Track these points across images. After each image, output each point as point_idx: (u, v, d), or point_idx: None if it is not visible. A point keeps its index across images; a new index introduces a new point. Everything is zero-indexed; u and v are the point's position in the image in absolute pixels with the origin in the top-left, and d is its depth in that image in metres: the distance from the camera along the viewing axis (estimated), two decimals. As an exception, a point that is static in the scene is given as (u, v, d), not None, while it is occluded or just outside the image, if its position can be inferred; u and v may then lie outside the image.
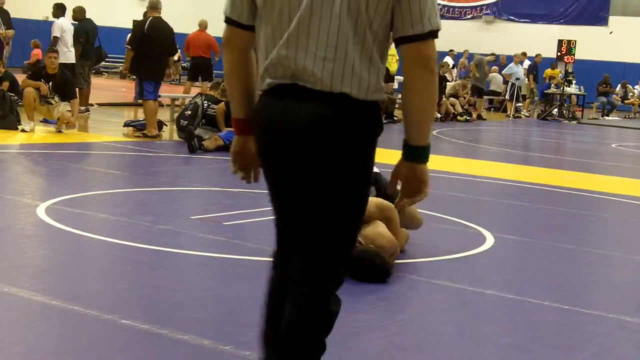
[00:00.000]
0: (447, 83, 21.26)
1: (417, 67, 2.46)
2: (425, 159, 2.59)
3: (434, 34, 2.45)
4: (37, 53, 23.27)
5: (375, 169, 5.72)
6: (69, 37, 14.11)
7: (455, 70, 24.90)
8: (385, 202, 5.31)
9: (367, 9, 2.41)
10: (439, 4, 28.31)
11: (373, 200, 5.28)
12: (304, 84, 2.45)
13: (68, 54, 13.77)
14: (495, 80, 24.58)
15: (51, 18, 14.96)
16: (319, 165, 2.48)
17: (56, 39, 13.81)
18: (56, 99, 11.41)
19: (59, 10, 14.49)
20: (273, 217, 2.72)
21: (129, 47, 11.85)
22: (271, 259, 2.77)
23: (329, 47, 2.43)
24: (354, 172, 2.53)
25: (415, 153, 2.58)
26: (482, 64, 22.25)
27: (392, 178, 2.64)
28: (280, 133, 2.48)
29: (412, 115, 2.55)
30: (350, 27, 2.42)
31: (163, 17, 11.88)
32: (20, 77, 13.62)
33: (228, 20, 2.60)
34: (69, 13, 14.81)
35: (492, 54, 23.17)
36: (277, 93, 2.50)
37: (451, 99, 20.17)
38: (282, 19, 2.47)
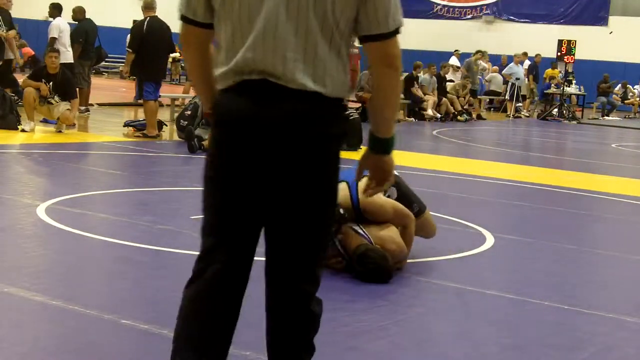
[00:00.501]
0: (448, 83, 21.21)
1: (383, 65, 2.50)
2: (390, 150, 2.64)
3: (397, 31, 2.49)
4: (26, 52, 23.23)
5: (395, 171, 5.72)
6: (66, 37, 14.09)
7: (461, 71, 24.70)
8: (405, 210, 5.28)
9: (334, 10, 2.42)
10: (438, 4, 28.28)
11: (391, 204, 5.26)
12: (276, 80, 2.43)
13: (66, 54, 13.75)
14: (495, 80, 24.58)
15: (49, 18, 14.95)
16: (294, 164, 2.46)
17: (54, 39, 13.80)
18: (56, 98, 11.41)
19: (55, 10, 14.47)
20: (209, 212, 2.60)
21: (130, 50, 11.85)
22: (201, 256, 2.63)
23: (298, 48, 2.42)
24: (328, 168, 2.53)
25: (382, 145, 2.62)
26: (471, 66, 22.29)
27: (359, 168, 2.68)
28: (252, 131, 2.45)
29: (378, 110, 2.60)
30: (318, 27, 2.42)
31: (161, 17, 11.88)
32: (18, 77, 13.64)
33: (183, 18, 2.58)
34: (68, 13, 14.80)
35: (479, 51, 23.15)
36: (244, 89, 2.46)
37: (449, 95, 20.16)
38: (242, 18, 2.44)
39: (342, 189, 5.12)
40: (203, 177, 2.62)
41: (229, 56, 2.48)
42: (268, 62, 2.42)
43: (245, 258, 2.60)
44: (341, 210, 4.95)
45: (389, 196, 5.43)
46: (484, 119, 21.70)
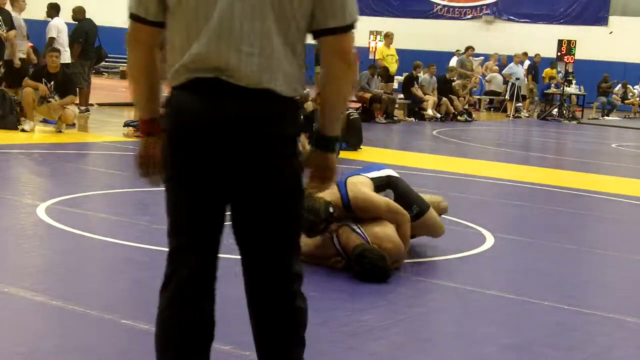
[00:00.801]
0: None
1: (336, 59, 2.48)
2: (335, 148, 2.61)
3: (353, 26, 2.47)
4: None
5: (395, 173, 5.74)
6: (64, 37, 14.07)
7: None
8: (398, 208, 5.26)
9: (292, 3, 2.40)
10: (438, 4, 28.12)
11: (383, 200, 5.26)
12: (228, 78, 2.40)
13: (64, 54, 13.74)
14: (495, 80, 24.55)
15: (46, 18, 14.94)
16: (249, 164, 2.45)
17: (52, 39, 13.79)
18: (56, 98, 11.41)
19: (53, 10, 14.45)
20: (171, 212, 2.58)
21: None
22: (169, 259, 2.60)
23: (254, 42, 2.39)
24: (284, 168, 2.49)
25: (328, 143, 2.60)
26: (464, 63, 22.18)
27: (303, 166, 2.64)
28: (207, 133, 2.43)
29: (328, 106, 2.56)
30: (274, 21, 2.40)
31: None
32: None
33: (133, 17, 2.53)
34: (68, 13, 14.78)
35: (470, 47, 23.01)
36: (197, 87, 2.44)
37: (450, 96, 20.13)
38: (198, 14, 2.41)
39: (333, 190, 5.13)
40: (164, 177, 2.60)
41: (183, 53, 2.45)
42: (222, 58, 2.40)
43: (211, 256, 2.59)
44: (330, 209, 4.95)
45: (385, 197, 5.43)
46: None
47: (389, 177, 5.55)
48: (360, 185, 5.22)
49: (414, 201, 5.54)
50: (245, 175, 2.47)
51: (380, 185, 5.43)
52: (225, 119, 2.41)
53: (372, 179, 5.40)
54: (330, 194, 5.07)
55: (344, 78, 2.50)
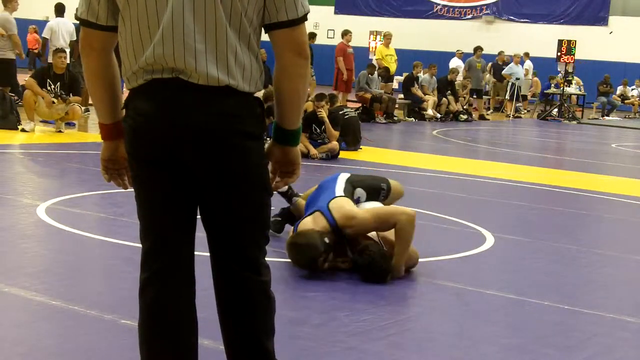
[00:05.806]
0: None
1: (292, 53, 2.47)
2: (296, 142, 2.60)
3: (305, 18, 2.47)
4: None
5: (346, 174, 5.72)
6: (57, 38, 14.03)
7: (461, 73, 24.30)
8: (387, 212, 5.15)
9: None
10: (438, 4, 28.00)
11: (369, 212, 5.14)
12: (188, 78, 2.40)
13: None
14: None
15: (51, 18, 14.94)
16: (210, 163, 2.44)
17: (45, 40, 13.79)
18: (62, 97, 11.45)
19: (56, 10, 14.47)
20: (140, 215, 2.59)
21: None
22: (142, 263, 2.59)
23: (208, 38, 2.39)
24: (246, 165, 2.48)
25: (288, 137, 2.58)
26: (472, 65, 22.07)
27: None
28: (167, 134, 2.42)
29: (286, 100, 2.54)
30: (226, 15, 2.39)
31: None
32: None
33: (84, 22, 2.51)
34: (70, 13, 14.75)
35: (479, 48, 22.84)
36: (155, 88, 2.42)
37: (449, 96, 20.13)
38: (149, 15, 2.40)
39: (319, 219, 5.10)
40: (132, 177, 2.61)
41: (137, 55, 2.43)
42: (179, 57, 2.38)
43: (183, 258, 2.61)
44: (326, 240, 4.93)
45: (358, 198, 5.47)
46: (487, 119, 21.63)
47: (348, 180, 5.55)
48: (346, 204, 5.19)
49: (380, 181, 5.79)
50: (207, 174, 2.47)
51: (350, 193, 5.44)
52: (185, 119, 2.40)
53: (345, 195, 5.35)
54: (314, 223, 5.07)
55: (301, 71, 2.48)
